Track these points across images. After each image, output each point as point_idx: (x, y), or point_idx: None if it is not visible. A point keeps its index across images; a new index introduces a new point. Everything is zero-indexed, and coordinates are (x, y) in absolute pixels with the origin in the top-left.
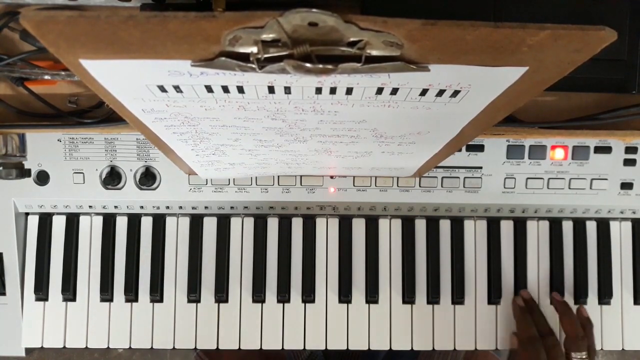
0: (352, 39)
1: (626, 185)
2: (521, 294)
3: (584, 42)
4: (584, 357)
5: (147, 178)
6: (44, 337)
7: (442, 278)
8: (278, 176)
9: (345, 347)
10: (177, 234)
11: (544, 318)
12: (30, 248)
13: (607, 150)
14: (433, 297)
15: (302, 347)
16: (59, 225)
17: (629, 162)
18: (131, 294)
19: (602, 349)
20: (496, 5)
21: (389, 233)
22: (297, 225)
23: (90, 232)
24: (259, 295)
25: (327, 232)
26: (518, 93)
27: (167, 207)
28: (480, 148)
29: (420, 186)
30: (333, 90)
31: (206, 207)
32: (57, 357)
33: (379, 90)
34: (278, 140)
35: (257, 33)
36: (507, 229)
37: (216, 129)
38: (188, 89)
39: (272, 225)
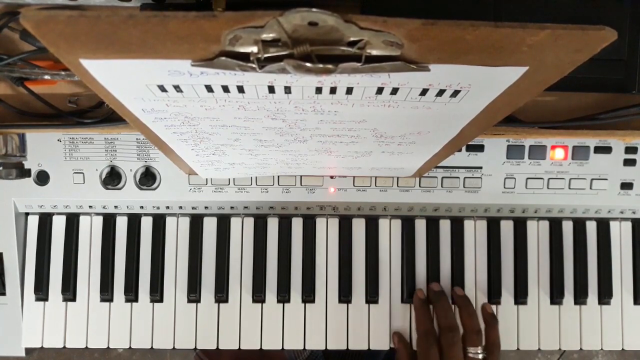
0: (352, 39)
1: (626, 185)
2: (431, 286)
3: (584, 42)
4: (479, 352)
5: (147, 178)
6: (44, 337)
7: (442, 278)
8: (278, 176)
9: (345, 347)
10: (177, 234)
11: (451, 312)
12: (30, 248)
13: (607, 150)
14: None
15: (302, 347)
16: (59, 225)
17: (629, 162)
18: (131, 294)
19: (602, 349)
20: (496, 5)
21: (389, 233)
22: (297, 225)
23: (90, 232)
24: (259, 295)
25: (327, 232)
26: (518, 93)
27: (167, 207)
28: (480, 148)
29: (420, 186)
30: (333, 90)
31: (206, 207)
32: (57, 357)
33: (379, 90)
34: (278, 140)
35: (257, 33)
36: (507, 229)
37: (216, 129)
38: (188, 88)
39: (272, 225)
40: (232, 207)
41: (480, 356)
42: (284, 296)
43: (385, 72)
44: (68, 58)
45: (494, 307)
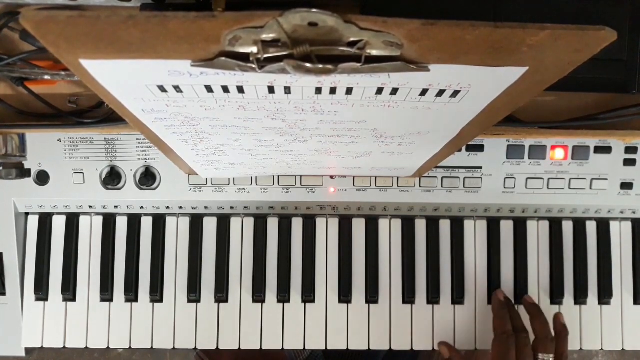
0: (352, 39)
1: (626, 185)
2: (497, 294)
3: (584, 42)
4: (551, 358)
5: (147, 178)
6: (44, 337)
7: (442, 278)
8: (278, 176)
9: (345, 347)
10: (177, 234)
11: (518, 316)
12: (30, 248)
13: (607, 150)
14: (433, 297)
15: (302, 347)
16: (59, 225)
17: (629, 162)
18: (131, 294)
19: (602, 349)
20: (496, 5)
21: (389, 233)
22: (297, 225)
23: (90, 232)
24: (259, 295)
25: (327, 232)
26: (518, 93)
27: (167, 207)
28: (480, 148)
29: (420, 186)
30: (333, 91)
31: (206, 207)
32: (57, 357)
33: (379, 91)
34: (278, 140)
35: (257, 33)
36: (507, 229)
37: (216, 129)
38: (188, 89)
39: (272, 225)
40: (232, 207)
41: None
42: (284, 296)
43: (385, 72)
44: (68, 58)
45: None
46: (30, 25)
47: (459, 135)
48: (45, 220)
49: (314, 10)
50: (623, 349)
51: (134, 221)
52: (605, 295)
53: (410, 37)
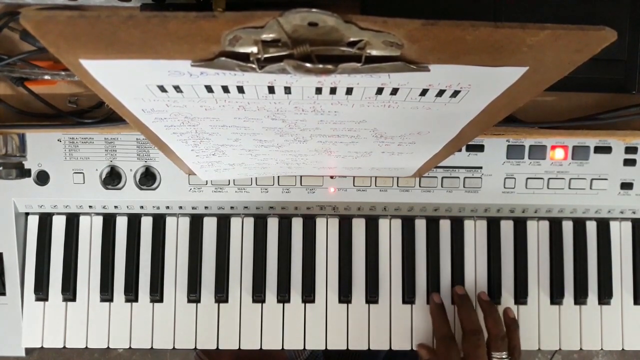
0: (352, 39)
1: (626, 185)
2: (455, 289)
3: (584, 42)
4: (503, 356)
5: (147, 178)
6: (44, 337)
7: (442, 278)
8: (278, 176)
9: (345, 347)
10: (177, 234)
11: (474, 315)
12: (30, 248)
13: (607, 150)
14: None
15: (302, 347)
16: (59, 225)
17: (629, 162)
18: (131, 294)
19: (602, 349)
20: (496, 5)
21: (389, 233)
22: (297, 225)
23: (90, 232)
24: (259, 295)
25: (327, 232)
26: (518, 93)
27: (167, 207)
28: (480, 148)
29: (420, 186)
30: (333, 91)
31: (206, 207)
32: (57, 357)
33: (379, 91)
34: (278, 141)
35: (257, 33)
36: (507, 229)
37: (216, 129)
38: (188, 89)
39: (272, 225)
40: (232, 207)
41: None
42: (284, 296)
43: (385, 72)
44: (68, 58)
45: None
46: (30, 25)
47: (459, 135)
48: (45, 220)
49: (314, 10)
50: (623, 349)
51: (134, 221)
52: (605, 295)
53: (411, 37)
